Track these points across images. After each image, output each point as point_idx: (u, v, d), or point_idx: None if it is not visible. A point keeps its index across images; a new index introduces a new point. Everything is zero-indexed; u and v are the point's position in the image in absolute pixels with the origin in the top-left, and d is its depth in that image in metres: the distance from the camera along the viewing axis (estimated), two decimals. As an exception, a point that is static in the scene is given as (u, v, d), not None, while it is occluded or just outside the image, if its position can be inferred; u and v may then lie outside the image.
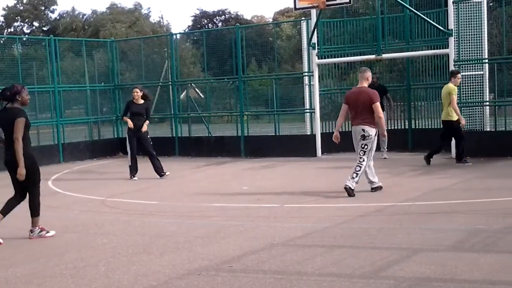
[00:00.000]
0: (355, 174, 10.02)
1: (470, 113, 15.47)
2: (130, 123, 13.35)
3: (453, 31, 14.88)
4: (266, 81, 23.68)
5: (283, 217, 8.62)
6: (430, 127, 16.57)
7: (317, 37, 16.83)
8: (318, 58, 16.79)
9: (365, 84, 10.41)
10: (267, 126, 19.75)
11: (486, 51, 15.65)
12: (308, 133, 17.34)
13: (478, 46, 15.38)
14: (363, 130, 10.10)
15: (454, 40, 14.96)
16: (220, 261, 6.31)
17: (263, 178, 13.21)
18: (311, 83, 17.12)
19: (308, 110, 17.41)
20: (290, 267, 5.96)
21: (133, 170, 13.53)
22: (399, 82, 18.18)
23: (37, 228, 7.90)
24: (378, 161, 14.60)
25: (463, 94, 15.02)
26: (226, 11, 68.88)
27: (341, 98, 18.96)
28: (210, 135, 19.36)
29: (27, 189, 7.86)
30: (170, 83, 19.68)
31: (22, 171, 7.58)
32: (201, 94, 22.20)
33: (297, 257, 6.30)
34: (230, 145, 18.21)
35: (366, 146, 10.11)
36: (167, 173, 13.50)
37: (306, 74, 17.62)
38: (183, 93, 20.82)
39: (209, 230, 7.90)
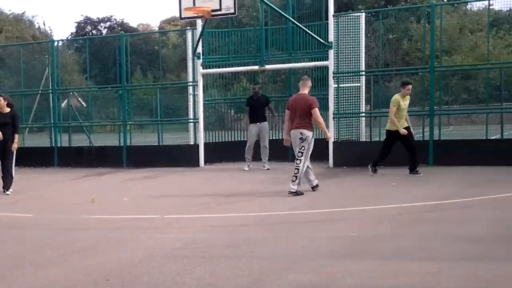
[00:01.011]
0: (294, 177, 10.78)
1: (348, 123, 16.05)
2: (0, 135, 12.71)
3: (333, 44, 15.39)
4: (151, 90, 23.53)
5: (163, 228, 8.58)
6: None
7: (202, 47, 16.93)
8: (203, 68, 16.90)
9: (306, 91, 11.20)
10: (151, 136, 19.63)
11: (364, 63, 16.28)
12: (192, 143, 17.39)
13: (356, 59, 15.94)
14: (301, 133, 10.87)
15: (334, 53, 15.48)
16: (97, 275, 6.21)
17: (144, 188, 13.10)
18: (196, 93, 17.19)
19: (192, 120, 17.46)
20: (169, 279, 5.94)
21: (7, 182, 12.87)
22: (282, 92, 18.57)
23: None
24: (258, 172, 14.91)
25: (341, 105, 15.57)
26: (111, 18, 67.76)
27: (224, 108, 19.20)
28: (91, 145, 18.98)
29: None
30: (50, 91, 19.14)
31: None
32: (83, 103, 21.72)
33: (176, 268, 6.30)
34: (112, 155, 17.94)
35: (303, 148, 10.87)
36: (8, 192, 12.67)
37: (190, 83, 17.65)
38: (64, 102, 20.29)
39: (87, 242, 7.74)
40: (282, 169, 15.11)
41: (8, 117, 12.78)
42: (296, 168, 10.80)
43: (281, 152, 16.79)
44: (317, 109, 10.96)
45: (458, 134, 16.15)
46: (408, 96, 13.24)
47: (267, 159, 15.50)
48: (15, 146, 12.72)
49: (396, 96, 13.14)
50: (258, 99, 15.61)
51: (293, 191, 10.75)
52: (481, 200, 9.69)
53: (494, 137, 14.82)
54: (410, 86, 13.24)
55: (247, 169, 15.30)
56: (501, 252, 6.43)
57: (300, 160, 10.83)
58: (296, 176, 10.75)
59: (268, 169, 15.28)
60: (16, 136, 12.82)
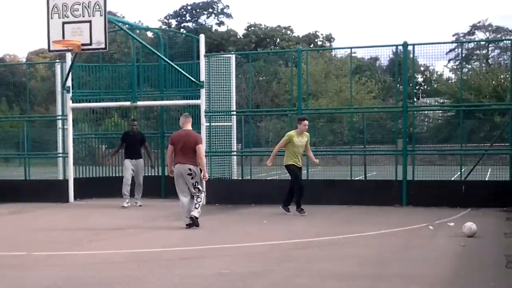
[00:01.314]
0: (197, 205, 11.15)
1: (220, 162, 16.30)
2: None
3: (204, 83, 15.64)
4: (18, 122, 22.72)
5: (31, 265, 8.27)
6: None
7: (72, 80, 16.64)
8: (73, 102, 16.56)
9: (190, 127, 11.56)
10: (18, 170, 18.88)
11: (234, 103, 16.64)
12: (61, 178, 16.93)
13: (227, 98, 16.28)
14: (190, 169, 11.18)
15: (205, 92, 15.72)
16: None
17: (10, 224, 12.57)
18: (65, 126, 16.80)
19: (61, 154, 17.02)
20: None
21: None
22: (154, 129, 18.53)
23: None
24: (131, 208, 14.74)
25: (213, 143, 15.80)
26: (-26, 46, 64.84)
27: (96, 143, 18.86)
28: (-49, 179, 17.95)
29: None
30: None
31: None
32: None
33: (45, 308, 6.13)
34: (-25, 189, 17.06)
35: (196, 183, 11.25)
36: None
37: (60, 117, 17.24)
38: None
39: None
40: (155, 206, 15.09)
41: None
42: (198, 197, 11.22)
43: (155, 189, 16.80)
44: (201, 146, 11.38)
45: (325, 174, 16.79)
46: (307, 134, 13.24)
47: (140, 195, 15.33)
48: None
49: (291, 132, 13.20)
50: (135, 135, 15.41)
51: (196, 216, 11.13)
52: (348, 238, 10.12)
53: (358, 178, 15.56)
54: (306, 122, 13.12)
55: (126, 205, 14.92)
56: None
57: (199, 189, 11.27)
58: (198, 204, 11.18)
59: (140, 205, 15.12)
60: None
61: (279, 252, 9.02)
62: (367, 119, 17.65)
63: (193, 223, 11.11)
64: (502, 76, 33.02)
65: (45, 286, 7.03)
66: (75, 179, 16.46)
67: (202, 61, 15.78)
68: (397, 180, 14.52)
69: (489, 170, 15.57)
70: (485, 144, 16.68)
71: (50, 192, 16.23)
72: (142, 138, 15.60)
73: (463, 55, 19.63)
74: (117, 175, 17.45)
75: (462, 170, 14.69)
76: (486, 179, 15.20)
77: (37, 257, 8.86)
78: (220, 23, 68.04)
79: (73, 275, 7.60)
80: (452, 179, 15.52)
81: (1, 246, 9.79)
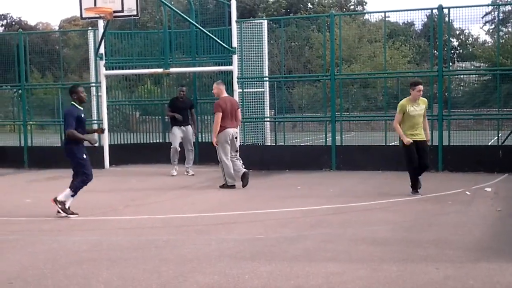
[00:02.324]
0: (242, 166, 12.06)
1: (253, 128, 16.27)
2: None
3: (236, 49, 15.56)
4: (52, 90, 22.92)
5: (68, 230, 8.41)
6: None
7: (105, 48, 16.68)
8: (106, 69, 16.62)
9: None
10: (53, 137, 19.10)
11: (267, 69, 16.55)
12: (96, 145, 17.06)
13: (259, 64, 16.20)
14: (236, 132, 12.16)
15: (238, 58, 15.65)
16: (-1, 279, 6.03)
17: (47, 190, 12.73)
18: (99, 93, 16.90)
19: (95, 121, 17.15)
20: (74, 282, 5.85)
21: None
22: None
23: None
24: (166, 175, 14.81)
25: (246, 110, 15.76)
26: (8, 15, 65.30)
27: (129, 110, 18.97)
28: (-10, 145, 18.29)
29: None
30: None
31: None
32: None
33: (82, 272, 6.20)
34: (13, 156, 17.38)
35: (238, 146, 12.26)
36: None
37: (93, 84, 17.35)
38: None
39: (-13, 246, 7.49)
40: (201, 172, 15.04)
41: None
42: (240, 161, 12.09)
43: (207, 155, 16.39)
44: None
45: (359, 140, 16.68)
46: (424, 99, 10.79)
47: (191, 164, 14.85)
48: None
49: (402, 101, 10.71)
50: (184, 101, 14.89)
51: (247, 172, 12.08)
52: (382, 204, 10.07)
53: (393, 143, 15.41)
54: (420, 87, 10.57)
55: (175, 173, 14.54)
56: (402, 253, 6.72)
57: (238, 155, 12.16)
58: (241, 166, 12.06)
59: (193, 174, 14.61)
60: None
61: (312, 218, 9.00)
62: (402, 84, 17.40)
63: (246, 177, 12.01)
64: (539, 39, 32.24)
65: (82, 250, 7.14)
66: (110, 146, 16.61)
67: (234, 27, 15.69)
68: (433, 146, 14.31)
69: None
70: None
71: (85, 158, 16.39)
72: (191, 104, 15.14)
73: (500, 18, 19.15)
74: (152, 141, 17.59)
75: (499, 135, 14.45)
76: (524, 143, 14.94)
77: (74, 222, 8.99)
78: (252, -12, 67.38)
79: (109, 240, 7.70)
80: (489, 144, 15.28)
81: (38, 212, 9.95)
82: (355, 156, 14.78)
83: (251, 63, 16.10)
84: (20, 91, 17.86)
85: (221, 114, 11.71)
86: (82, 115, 9.41)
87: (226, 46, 15.60)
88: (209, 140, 17.17)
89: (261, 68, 16.24)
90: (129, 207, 10.06)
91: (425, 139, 10.75)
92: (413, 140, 10.54)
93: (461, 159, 14.03)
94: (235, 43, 15.59)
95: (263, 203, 10.46)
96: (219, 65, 16.88)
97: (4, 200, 11.41)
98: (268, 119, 16.57)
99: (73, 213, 9.33)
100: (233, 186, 12.02)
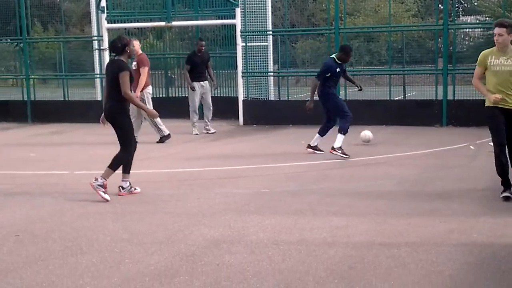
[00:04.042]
0: None
1: (256, 83, 16.18)
2: None
3: (239, 2, 15.35)
4: (54, 44, 22.74)
5: (73, 184, 8.44)
6: (221, 95, 16.60)
7: (106, 0, 16.47)
8: (108, 23, 16.45)
9: None
10: (56, 91, 19.03)
11: (270, 23, 16.36)
12: (99, 99, 17.04)
13: (263, 18, 16.01)
14: None
15: (241, 11, 15.45)
16: (6, 231, 6.07)
17: (51, 144, 12.78)
18: (101, 47, 16.77)
19: (98, 75, 17.07)
20: (81, 235, 5.90)
21: None
22: (189, 50, 18.33)
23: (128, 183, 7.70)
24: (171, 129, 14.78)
25: (249, 64, 15.63)
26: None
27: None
28: (-8, 100, 18.26)
29: (120, 142, 7.72)
30: None
31: (152, 112, 8.38)
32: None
33: (88, 224, 6.26)
34: (16, 110, 17.35)
35: None
36: None
37: (95, 38, 17.21)
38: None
39: (-7, 199, 7.54)
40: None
41: None
42: None
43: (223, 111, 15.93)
44: None
45: (363, 94, 16.58)
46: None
47: (210, 119, 14.13)
48: None
49: (485, 51, 7.24)
50: (202, 56, 14.01)
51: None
52: (387, 158, 10.08)
53: (397, 98, 15.35)
54: (496, 29, 6.97)
55: (198, 133, 13.79)
56: (406, 207, 6.75)
57: None
58: None
59: (214, 132, 13.93)
60: None
61: (316, 172, 9.03)
62: (406, 38, 17.24)
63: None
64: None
65: (90, 204, 7.17)
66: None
67: (235, -21, 15.46)
68: (437, 100, 14.27)
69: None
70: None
71: (89, 112, 16.33)
72: (209, 58, 14.37)
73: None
74: (154, 96, 17.49)
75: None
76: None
77: (79, 176, 9.01)
78: None
79: (112, 192, 7.71)
80: (493, 98, 15.17)
81: (44, 166, 9.98)
82: (359, 111, 14.70)
83: (254, 17, 15.90)
84: (22, 45, 17.72)
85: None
86: None
87: (229, -2, 15.42)
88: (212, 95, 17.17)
89: (264, 22, 16.06)
90: (136, 161, 10.05)
91: None
92: (502, 108, 7.04)
93: (466, 114, 13.96)
94: (238, -4, 15.40)
95: (267, 157, 10.47)
96: (222, 19, 16.67)
97: (9, 154, 11.44)
98: (272, 73, 16.44)
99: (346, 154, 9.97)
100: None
